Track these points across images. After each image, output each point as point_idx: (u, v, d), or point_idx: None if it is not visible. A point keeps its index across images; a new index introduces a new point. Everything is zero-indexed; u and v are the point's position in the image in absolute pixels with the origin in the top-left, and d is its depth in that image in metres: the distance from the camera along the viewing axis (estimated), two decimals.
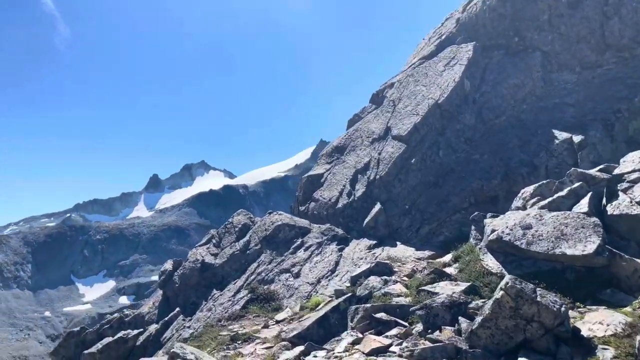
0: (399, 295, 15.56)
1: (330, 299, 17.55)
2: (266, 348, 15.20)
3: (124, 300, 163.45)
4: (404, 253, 20.26)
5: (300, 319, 16.20)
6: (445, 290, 13.71)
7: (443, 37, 29.08)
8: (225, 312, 19.45)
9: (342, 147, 28.34)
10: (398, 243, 21.23)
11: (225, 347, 16.07)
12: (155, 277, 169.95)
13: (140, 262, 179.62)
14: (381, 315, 13.75)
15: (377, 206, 22.69)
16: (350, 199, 23.89)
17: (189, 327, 19.32)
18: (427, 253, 19.99)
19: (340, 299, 15.45)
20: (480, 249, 15.61)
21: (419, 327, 12.13)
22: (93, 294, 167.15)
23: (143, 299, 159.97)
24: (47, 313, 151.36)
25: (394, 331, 12.76)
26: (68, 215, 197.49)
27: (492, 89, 24.40)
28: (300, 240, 22.53)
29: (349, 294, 15.66)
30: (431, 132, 23.76)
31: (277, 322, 17.92)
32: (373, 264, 18.25)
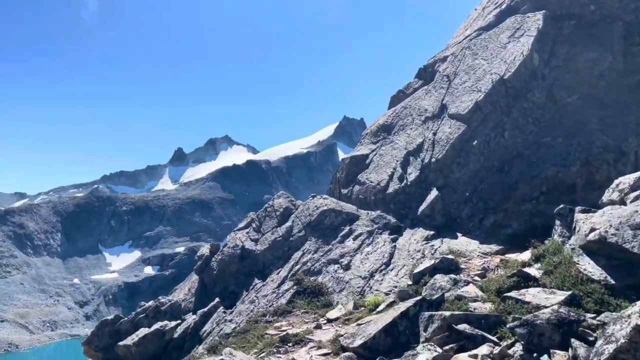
0: (475, 300, 13.32)
1: (388, 297, 15.45)
2: (323, 355, 13.24)
3: (149, 270, 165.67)
4: (466, 246, 17.97)
5: (359, 322, 14.13)
6: (538, 299, 11.41)
7: (503, 6, 26.04)
8: (270, 306, 17.54)
9: (389, 126, 25.87)
10: (458, 234, 18.91)
11: (275, 350, 14.13)
12: (179, 249, 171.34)
13: (165, 234, 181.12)
14: (464, 327, 11.53)
15: (434, 192, 20.34)
16: (403, 184, 21.55)
17: (230, 320, 17.48)
18: (493, 247, 17.65)
19: (409, 303, 13.29)
20: (573, 249, 13.20)
21: (517, 347, 9.91)
22: (119, 264, 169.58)
23: (167, 269, 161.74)
24: (75, 280, 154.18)
25: (483, 349, 10.53)
26: (95, 186, 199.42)
27: (564, 64, 21.53)
28: (348, 227, 20.38)
29: (419, 298, 13.49)
30: (495, 111, 21.13)
31: (329, 321, 15.95)
32: (437, 260, 16.01)
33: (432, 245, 18.36)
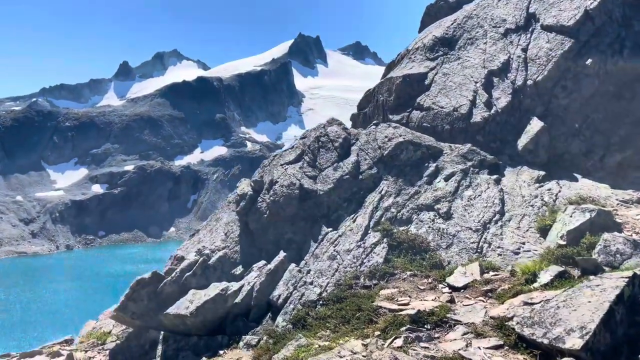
0: None
1: (540, 262, 11.50)
2: (493, 348, 9.18)
3: (97, 188, 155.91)
4: (596, 192, 14.11)
5: (527, 300, 10.09)
6: None
7: None
8: (360, 264, 13.18)
9: (451, 39, 20.76)
10: (577, 176, 15.02)
11: (412, 336, 9.84)
12: (128, 167, 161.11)
13: (113, 152, 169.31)
14: None
15: (537, 123, 16.05)
16: (493, 111, 17.03)
17: (311, 283, 13.01)
18: (633, 194, 13.95)
19: (621, 281, 9.33)
20: None
21: None
22: (65, 181, 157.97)
23: (116, 187, 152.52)
24: (18, 197, 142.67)
25: None
26: (34, 99, 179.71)
27: None
28: (433, 164, 15.88)
29: (628, 274, 9.54)
30: (610, 23, 16.62)
31: (454, 289, 11.93)
32: (594, 214, 12.04)
33: (550, 190, 14.37)
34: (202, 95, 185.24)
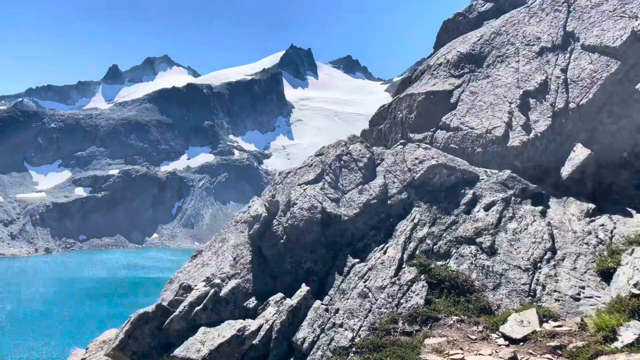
0: None
1: (617, 315, 9.84)
2: None
3: (80, 191, 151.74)
4: None
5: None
6: None
7: None
8: (396, 305, 11.37)
9: (478, 56, 19.27)
10: (631, 210, 13.48)
11: None
12: (113, 171, 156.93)
13: (98, 155, 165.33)
14: None
15: (582, 150, 14.54)
16: (532, 135, 15.48)
17: (340, 325, 11.14)
18: None
19: None
20: None
21: None
22: (47, 183, 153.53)
23: (99, 191, 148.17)
24: None
25: None
26: (20, 99, 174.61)
27: None
28: (469, 191, 14.22)
29: None
30: None
31: (512, 341, 10.19)
32: None
33: (604, 226, 12.80)
34: (191, 101, 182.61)
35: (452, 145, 17.09)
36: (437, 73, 20.27)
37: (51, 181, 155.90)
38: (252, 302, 13.23)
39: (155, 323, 11.92)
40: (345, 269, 13.06)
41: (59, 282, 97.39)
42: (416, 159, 15.15)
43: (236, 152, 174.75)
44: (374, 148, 16.85)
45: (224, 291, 12.65)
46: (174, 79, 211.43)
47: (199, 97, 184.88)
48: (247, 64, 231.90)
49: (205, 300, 12.17)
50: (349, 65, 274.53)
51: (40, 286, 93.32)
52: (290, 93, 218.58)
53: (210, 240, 18.09)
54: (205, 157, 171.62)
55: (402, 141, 16.63)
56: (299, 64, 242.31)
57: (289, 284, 13.84)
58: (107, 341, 15.21)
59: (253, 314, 13.02)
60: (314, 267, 13.74)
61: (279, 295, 13.02)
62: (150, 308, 11.99)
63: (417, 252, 12.79)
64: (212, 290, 12.36)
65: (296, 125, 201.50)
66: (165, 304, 15.24)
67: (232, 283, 13.04)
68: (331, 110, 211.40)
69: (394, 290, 11.75)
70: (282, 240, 14.24)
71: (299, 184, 15.36)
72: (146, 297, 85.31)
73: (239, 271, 14.70)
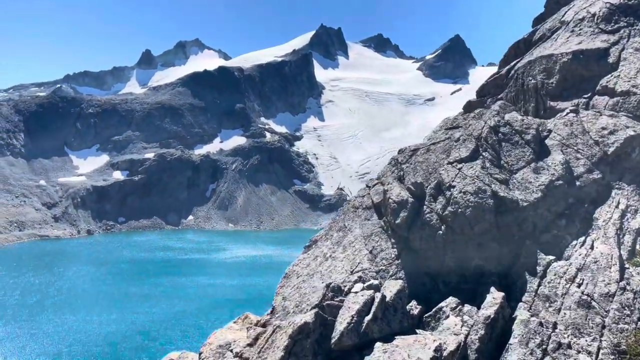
0: None
1: None
2: None
3: (117, 175, 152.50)
4: None
5: None
6: None
7: None
8: (639, 320, 8.46)
9: (638, 7, 15.76)
10: None
11: None
12: (148, 155, 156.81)
13: (134, 139, 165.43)
14: None
15: None
16: None
17: (568, 345, 8.28)
18: None
19: None
20: None
21: None
22: (87, 167, 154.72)
23: (136, 175, 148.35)
24: (42, 182, 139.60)
25: None
26: (58, 85, 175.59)
27: None
28: None
29: None
30: None
31: None
32: None
33: None
34: (223, 84, 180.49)
35: (623, 113, 13.77)
36: (580, 30, 16.80)
37: (90, 165, 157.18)
38: (414, 307, 10.47)
39: (315, 336, 9.29)
40: (539, 268, 10.12)
41: (105, 261, 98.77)
42: (603, 129, 11.96)
43: (267, 135, 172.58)
44: (529, 118, 13.66)
45: (388, 295, 9.89)
46: (206, 62, 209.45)
47: (230, 80, 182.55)
48: (277, 45, 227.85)
49: (373, 307, 9.45)
50: (380, 44, 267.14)
51: (88, 266, 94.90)
52: (321, 74, 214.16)
53: (325, 229, 15.38)
54: (237, 140, 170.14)
55: (571, 108, 13.40)
56: (329, 44, 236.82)
57: (454, 284, 11.01)
58: (223, 346, 12.78)
59: (418, 322, 10.28)
60: (484, 265, 10.84)
61: (453, 300, 10.20)
62: (309, 317, 9.32)
63: (638, 246, 9.74)
64: (379, 295, 9.63)
65: (327, 107, 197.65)
66: (287, 303, 12.70)
67: (395, 285, 10.26)
68: (362, 90, 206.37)
69: (627, 299, 8.78)
70: (440, 231, 11.36)
71: (450, 163, 12.39)
72: (186, 277, 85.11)
73: (383, 267, 11.93)
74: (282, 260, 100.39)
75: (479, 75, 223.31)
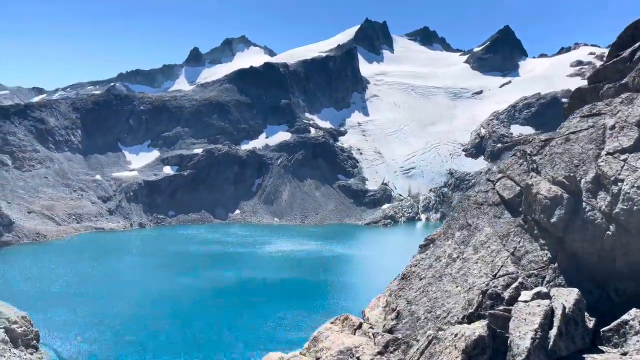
0: None
1: None
2: None
3: (167, 170, 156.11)
4: None
5: None
6: None
7: None
8: None
9: None
10: None
11: None
12: (197, 150, 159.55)
13: (183, 135, 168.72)
14: None
15: None
16: None
17: None
18: None
19: None
20: None
21: None
22: (139, 162, 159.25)
23: (186, 169, 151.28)
24: (97, 176, 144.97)
25: None
26: (112, 84, 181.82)
27: None
28: None
29: None
30: None
31: None
32: None
33: None
34: (268, 81, 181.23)
35: None
36: None
37: (142, 160, 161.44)
38: (588, 320, 8.94)
39: (489, 352, 7.98)
40: None
41: (157, 253, 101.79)
42: None
43: (312, 130, 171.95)
44: None
45: (567, 306, 8.42)
46: (252, 59, 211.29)
47: (275, 76, 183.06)
48: (321, 41, 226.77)
49: (555, 320, 8.03)
50: (426, 37, 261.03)
51: (143, 257, 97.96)
52: (365, 68, 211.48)
53: (442, 227, 13.99)
54: (282, 136, 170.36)
55: None
56: (373, 38, 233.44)
57: (631, 293, 9.39)
58: (344, 351, 11.67)
59: (598, 338, 8.75)
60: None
61: (636, 312, 8.61)
62: (482, 330, 8.01)
63: None
64: (560, 306, 8.18)
65: (371, 101, 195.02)
66: (414, 308, 11.40)
67: (571, 294, 8.76)
68: (408, 84, 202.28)
69: None
70: (608, 232, 9.73)
71: (610, 154, 10.69)
72: (237, 270, 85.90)
73: (535, 272, 10.40)
74: (331, 255, 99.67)
75: (530, 67, 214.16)
